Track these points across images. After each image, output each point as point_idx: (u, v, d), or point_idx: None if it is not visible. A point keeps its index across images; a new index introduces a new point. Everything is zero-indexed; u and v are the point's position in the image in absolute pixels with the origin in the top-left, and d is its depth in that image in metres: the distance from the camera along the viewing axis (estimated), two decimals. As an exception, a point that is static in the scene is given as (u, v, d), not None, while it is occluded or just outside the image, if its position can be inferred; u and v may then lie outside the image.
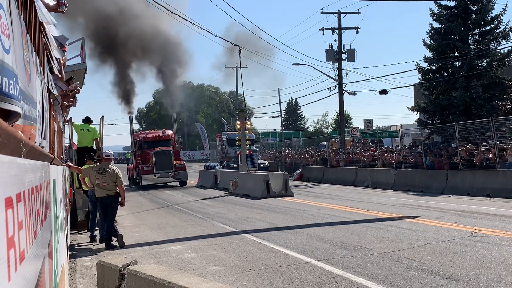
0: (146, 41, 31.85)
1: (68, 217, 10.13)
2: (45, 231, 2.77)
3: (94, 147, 13.90)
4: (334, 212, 14.29)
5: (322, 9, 32.75)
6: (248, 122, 28.39)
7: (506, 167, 17.11)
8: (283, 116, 58.35)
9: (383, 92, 31.68)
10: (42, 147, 3.57)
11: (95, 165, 10.92)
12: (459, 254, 8.02)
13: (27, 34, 3.06)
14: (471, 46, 27.12)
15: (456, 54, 27.07)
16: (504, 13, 26.83)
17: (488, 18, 26.89)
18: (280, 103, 46.60)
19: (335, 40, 32.48)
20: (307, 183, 28.66)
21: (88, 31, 25.65)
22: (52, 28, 4.28)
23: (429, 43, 27.98)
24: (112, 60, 30.42)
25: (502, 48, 27.27)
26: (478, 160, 18.39)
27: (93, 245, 11.08)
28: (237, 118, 30.33)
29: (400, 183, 21.86)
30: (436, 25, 27.99)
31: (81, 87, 14.02)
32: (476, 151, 18.73)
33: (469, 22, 26.99)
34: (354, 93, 33.30)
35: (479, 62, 26.92)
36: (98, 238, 11.31)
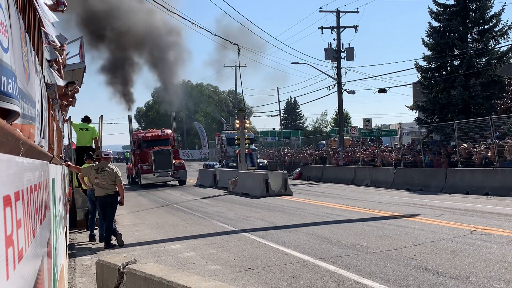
0: (142, 37, 31.88)
1: (68, 216, 10.12)
2: (44, 230, 2.77)
3: (93, 146, 13.89)
4: (333, 211, 14.30)
5: (321, 8, 32.83)
6: (247, 121, 28.40)
7: (505, 165, 17.12)
8: (282, 115, 58.31)
9: (382, 90, 31.72)
10: (41, 146, 3.57)
11: (94, 164, 10.92)
12: (458, 253, 8.03)
13: (26, 33, 3.05)
14: (470, 45, 27.17)
15: (455, 53, 27.11)
16: (502, 11, 26.94)
17: (487, 16, 26.93)
18: (279, 102, 46.66)
19: (334, 39, 32.56)
20: (306, 182, 28.67)
21: (82, 22, 25.75)
22: (50, 28, 4.28)
23: (428, 41, 28.01)
24: (108, 49, 30.42)
25: (501, 47, 27.37)
26: (477, 158, 18.40)
27: (92, 244, 11.08)
28: (236, 117, 30.35)
29: (399, 181, 21.87)
30: (435, 23, 28.05)
31: (80, 87, 14.01)
32: (475, 149, 18.74)
33: (467, 20, 27.02)
34: (353, 92, 33.34)
35: (478, 60, 26.96)
36: (97, 237, 11.32)
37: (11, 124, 2.12)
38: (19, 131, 2.27)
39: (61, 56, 7.06)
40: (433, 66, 28.37)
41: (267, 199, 18.63)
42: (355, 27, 32.88)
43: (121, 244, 10.37)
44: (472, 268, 7.03)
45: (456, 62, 27.46)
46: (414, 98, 35.18)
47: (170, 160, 28.84)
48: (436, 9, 28.00)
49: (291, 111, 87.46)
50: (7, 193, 1.48)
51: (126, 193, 14.22)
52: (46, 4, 4.39)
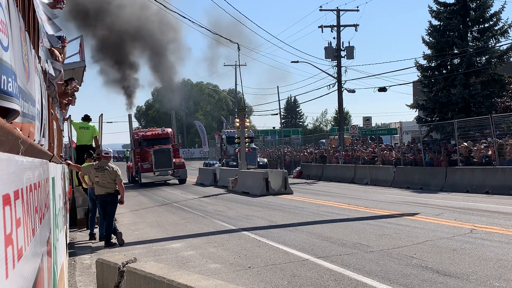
0: (138, 33, 31.87)
1: (68, 215, 10.12)
2: (43, 229, 2.77)
3: (93, 145, 13.89)
4: (333, 210, 14.30)
5: (321, 7, 32.82)
6: (247, 120, 28.37)
7: (505, 164, 17.12)
8: (282, 113, 58.31)
9: (382, 89, 31.71)
10: (41, 145, 3.57)
11: (94, 163, 10.92)
12: (458, 251, 8.03)
13: (26, 32, 3.05)
14: (470, 43, 27.15)
15: (455, 51, 27.09)
16: (503, 10, 26.93)
17: (487, 15, 26.91)
18: (279, 100, 46.65)
19: (334, 38, 32.54)
20: (306, 181, 28.67)
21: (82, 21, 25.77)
22: (48, 27, 4.26)
23: (428, 40, 27.99)
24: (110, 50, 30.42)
25: (501, 45, 27.37)
26: (477, 157, 18.40)
27: (92, 243, 11.09)
28: (236, 116, 30.32)
29: (399, 180, 21.87)
30: (435, 22, 28.03)
31: (80, 85, 14.00)
32: (475, 147, 18.72)
33: (468, 19, 27.00)
34: (353, 91, 33.33)
35: (478, 59, 26.95)
36: (97, 236, 11.33)
37: (11, 123, 2.11)
38: (19, 130, 2.27)
39: (61, 55, 7.04)
40: (433, 64, 28.35)
41: (267, 198, 18.63)
42: (355, 25, 32.88)
43: (121, 243, 10.38)
44: (472, 266, 7.04)
45: (456, 61, 27.44)
46: (414, 97, 35.16)
47: (170, 159, 28.85)
48: (436, 7, 27.98)
49: (291, 110, 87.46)
50: (7, 192, 1.48)
51: (126, 191, 14.22)
52: (45, 1, 4.38)
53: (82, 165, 11.49)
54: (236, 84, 63.28)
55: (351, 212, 13.69)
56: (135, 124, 77.78)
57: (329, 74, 33.03)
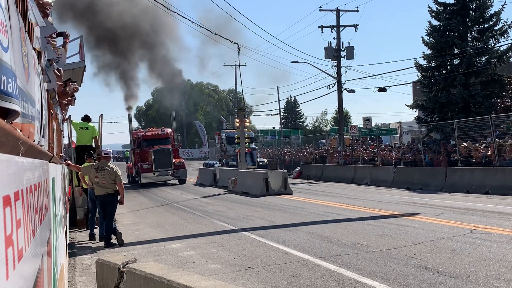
0: (143, 35, 31.85)
1: (68, 215, 10.13)
2: (44, 230, 2.77)
3: (93, 145, 13.89)
4: (333, 210, 14.31)
5: (321, 7, 32.83)
6: (247, 120, 28.38)
7: (505, 164, 17.12)
8: (282, 114, 58.32)
9: (382, 89, 31.72)
10: (41, 146, 3.57)
11: (94, 163, 10.93)
12: (458, 251, 8.03)
13: (26, 33, 3.05)
14: (469, 44, 27.15)
15: (455, 52, 27.09)
16: (502, 10, 26.90)
17: (487, 15, 26.91)
18: (279, 100, 46.67)
19: (334, 38, 32.55)
20: (306, 181, 28.67)
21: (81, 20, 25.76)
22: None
23: (428, 40, 27.98)
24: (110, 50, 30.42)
25: (501, 46, 27.35)
26: (476, 157, 18.40)
27: (92, 243, 11.09)
28: (236, 116, 30.33)
29: (399, 180, 21.87)
30: (435, 22, 28.01)
31: (80, 86, 14.00)
32: (473, 147, 18.72)
33: (467, 19, 27.00)
34: (353, 91, 33.33)
35: (477, 59, 26.94)
36: (97, 236, 11.33)
37: (11, 124, 2.12)
38: (19, 131, 2.27)
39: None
40: (433, 65, 28.34)
41: (267, 198, 18.63)
42: (355, 26, 32.88)
43: (121, 243, 10.38)
44: (472, 267, 7.04)
45: (456, 61, 27.44)
46: (414, 97, 35.16)
47: (170, 159, 28.85)
48: (436, 8, 27.98)
49: (291, 110, 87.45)
50: (7, 193, 1.48)
51: (126, 192, 14.23)
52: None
53: (82, 165, 11.49)
54: (236, 84, 63.38)
55: (351, 212, 13.69)
56: (135, 124, 77.83)
57: (329, 74, 33.05)
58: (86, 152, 12.34)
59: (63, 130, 12.28)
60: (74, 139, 14.85)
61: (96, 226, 11.67)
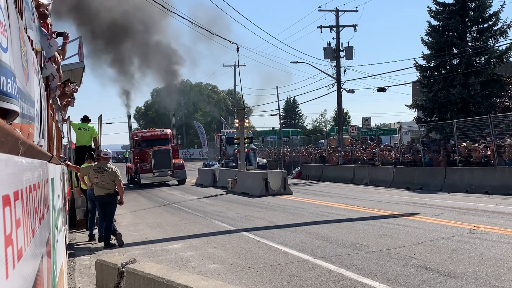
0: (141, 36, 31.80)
1: (67, 215, 10.12)
2: (43, 230, 2.77)
3: (93, 146, 13.88)
4: (332, 210, 14.31)
5: (320, 7, 32.83)
6: (247, 120, 28.38)
7: (504, 164, 17.13)
8: (281, 114, 58.32)
9: (382, 89, 31.73)
10: (40, 146, 3.57)
11: (94, 164, 10.92)
12: (457, 251, 8.03)
13: (25, 33, 3.05)
14: (469, 44, 27.16)
15: (454, 52, 27.09)
16: (502, 10, 26.89)
17: (486, 15, 26.91)
18: (278, 101, 46.66)
19: (333, 38, 32.56)
20: (305, 181, 28.68)
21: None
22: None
23: (427, 40, 27.98)
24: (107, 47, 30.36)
25: (500, 45, 27.35)
26: (476, 157, 18.41)
27: (92, 244, 11.08)
28: (235, 117, 30.34)
29: (398, 180, 21.87)
30: (434, 22, 28.01)
31: (79, 86, 14.00)
32: (472, 147, 18.73)
33: (467, 19, 27.00)
34: (352, 91, 33.34)
35: (477, 59, 26.95)
36: (97, 237, 11.32)
37: (10, 124, 2.12)
38: (19, 131, 2.27)
39: (60, 56, 7.03)
40: (432, 65, 28.34)
41: (267, 199, 18.63)
42: (354, 26, 32.88)
43: (121, 244, 10.37)
44: (471, 266, 7.04)
45: (455, 61, 27.43)
46: (413, 97, 35.18)
47: (169, 160, 28.84)
48: (435, 8, 27.98)
49: (291, 110, 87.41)
50: (6, 192, 1.48)
51: (126, 192, 14.22)
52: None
53: (81, 166, 11.49)
54: (235, 85, 63.40)
55: (351, 212, 13.70)
56: (135, 125, 77.82)
57: (328, 75, 33.06)
58: (86, 153, 12.33)
59: (62, 131, 12.28)
60: (74, 140, 14.84)
61: (95, 227, 11.66)
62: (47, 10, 5.11)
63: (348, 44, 32.61)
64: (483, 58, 27.01)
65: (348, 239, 9.58)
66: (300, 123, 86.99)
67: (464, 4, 26.84)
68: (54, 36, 6.01)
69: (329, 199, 17.54)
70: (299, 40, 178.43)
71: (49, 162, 4.10)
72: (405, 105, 31.21)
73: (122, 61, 32.95)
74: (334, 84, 32.73)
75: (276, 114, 49.81)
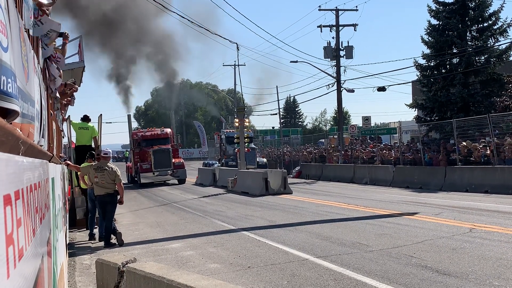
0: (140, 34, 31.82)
1: (67, 215, 10.13)
2: (44, 229, 2.77)
3: (93, 145, 13.88)
4: (332, 209, 14.31)
5: (320, 7, 32.78)
6: (247, 120, 28.38)
7: (504, 163, 17.13)
8: (281, 113, 58.31)
9: (381, 89, 31.72)
10: (41, 145, 3.58)
11: (94, 163, 10.93)
12: (457, 250, 8.04)
13: (25, 32, 3.06)
14: (469, 43, 27.13)
15: (454, 51, 27.07)
16: (501, 9, 26.84)
17: (486, 14, 26.88)
18: (278, 100, 46.62)
19: (333, 37, 32.52)
20: (305, 181, 28.68)
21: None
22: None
23: (427, 39, 27.96)
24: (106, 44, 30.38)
25: (500, 45, 27.31)
26: (476, 156, 18.41)
27: (92, 243, 11.09)
28: (235, 116, 30.33)
29: (398, 180, 21.88)
30: (434, 21, 27.98)
31: (79, 86, 13.99)
32: (472, 146, 18.72)
33: (467, 18, 26.98)
34: (352, 90, 33.32)
35: (477, 58, 26.92)
36: (97, 236, 11.33)
37: (11, 123, 2.12)
38: (19, 130, 2.27)
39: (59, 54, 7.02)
40: (432, 64, 28.31)
41: (267, 198, 18.64)
42: (354, 25, 32.85)
43: (121, 243, 10.38)
44: (471, 266, 7.04)
45: (455, 60, 27.41)
46: (413, 96, 35.17)
47: (169, 159, 28.84)
48: (435, 7, 27.95)
49: (291, 110, 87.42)
50: (7, 192, 1.48)
51: (126, 192, 14.23)
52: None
53: (81, 165, 11.49)
54: (235, 84, 63.40)
55: (351, 211, 13.70)
56: (135, 124, 77.79)
57: (328, 74, 33.05)
58: (86, 153, 12.33)
59: (62, 130, 12.28)
60: (74, 139, 14.84)
61: (95, 226, 11.66)
62: (47, 10, 5.11)
63: (348, 43, 32.61)
64: (483, 57, 26.99)
65: (348, 238, 9.59)
66: (300, 123, 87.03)
67: (464, 4, 26.82)
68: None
69: (329, 198, 17.54)
70: (299, 39, 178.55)
71: (49, 162, 4.10)
72: (405, 104, 31.25)
73: (118, 52, 32.90)
74: (334, 84, 32.72)
75: (276, 114, 49.78)
